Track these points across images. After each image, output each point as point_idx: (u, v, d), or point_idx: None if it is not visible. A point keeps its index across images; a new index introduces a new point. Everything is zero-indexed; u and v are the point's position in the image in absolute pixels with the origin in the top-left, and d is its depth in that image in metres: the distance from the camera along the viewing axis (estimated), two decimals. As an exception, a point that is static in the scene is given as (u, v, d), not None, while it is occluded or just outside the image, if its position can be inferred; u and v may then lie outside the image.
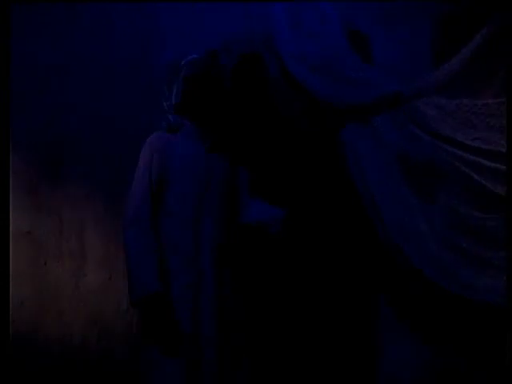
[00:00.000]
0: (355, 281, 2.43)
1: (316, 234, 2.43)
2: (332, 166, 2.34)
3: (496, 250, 2.11)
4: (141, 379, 2.14)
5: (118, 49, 2.84)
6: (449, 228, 2.13)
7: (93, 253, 2.61)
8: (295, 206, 2.33)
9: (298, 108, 2.33)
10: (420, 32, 2.53)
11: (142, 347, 2.13)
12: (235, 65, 2.50)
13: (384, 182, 2.20)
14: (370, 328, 2.43)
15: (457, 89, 2.22)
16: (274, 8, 2.33)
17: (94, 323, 2.57)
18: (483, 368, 2.27)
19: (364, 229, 2.30)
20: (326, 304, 2.45)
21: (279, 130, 2.42)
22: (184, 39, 2.89)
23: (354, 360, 2.43)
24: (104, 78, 2.76)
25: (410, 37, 2.52)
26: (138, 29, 2.96)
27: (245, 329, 2.17)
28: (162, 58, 2.98)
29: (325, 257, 2.45)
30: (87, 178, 2.65)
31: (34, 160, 2.45)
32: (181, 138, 2.17)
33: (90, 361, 2.51)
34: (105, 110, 2.74)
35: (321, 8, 2.34)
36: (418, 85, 2.18)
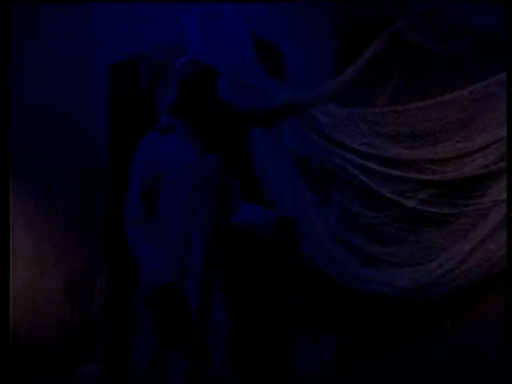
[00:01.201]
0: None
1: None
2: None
3: (383, 245, 2.32)
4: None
5: (53, 49, 2.95)
6: (341, 225, 2.33)
7: (23, 250, 2.75)
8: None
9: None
10: (326, 43, 2.73)
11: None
12: (153, 72, 2.65)
13: (284, 182, 2.39)
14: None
15: (351, 97, 2.41)
16: (185, 18, 2.49)
17: (24, 318, 2.70)
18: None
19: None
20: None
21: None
22: (119, 40, 3.02)
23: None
24: (39, 77, 2.88)
25: (317, 48, 2.72)
26: (72, 29, 3.09)
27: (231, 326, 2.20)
28: (97, 58, 3.15)
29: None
30: (17, 178, 2.76)
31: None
32: (174, 138, 2.15)
33: (22, 356, 2.63)
34: (39, 109, 2.84)
35: (230, 20, 2.51)
36: (313, 94, 2.36)
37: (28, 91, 2.83)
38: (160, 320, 2.02)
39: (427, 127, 2.22)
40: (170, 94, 2.15)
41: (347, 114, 2.32)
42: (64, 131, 3.01)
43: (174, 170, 2.11)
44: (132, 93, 2.84)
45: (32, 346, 2.72)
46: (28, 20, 2.88)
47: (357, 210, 2.30)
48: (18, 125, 2.70)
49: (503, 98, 2.14)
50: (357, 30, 2.61)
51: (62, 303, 2.95)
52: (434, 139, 2.21)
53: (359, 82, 2.39)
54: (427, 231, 2.25)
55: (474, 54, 2.27)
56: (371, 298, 2.37)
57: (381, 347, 2.50)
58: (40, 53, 2.92)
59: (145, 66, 2.70)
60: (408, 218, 2.28)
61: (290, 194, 2.38)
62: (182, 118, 2.15)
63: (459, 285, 2.19)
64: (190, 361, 2.02)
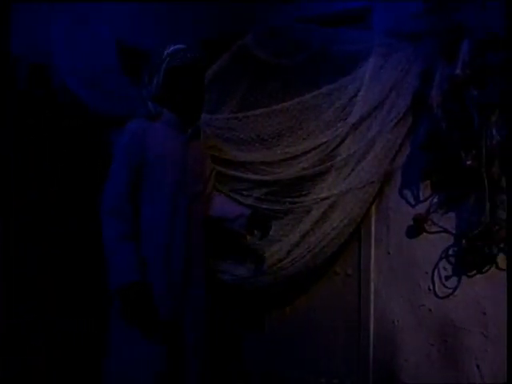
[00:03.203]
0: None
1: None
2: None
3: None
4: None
5: None
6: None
7: None
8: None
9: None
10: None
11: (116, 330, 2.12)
12: (27, 73, 2.83)
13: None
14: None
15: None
16: (52, 27, 2.68)
17: None
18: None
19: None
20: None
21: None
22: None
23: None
24: None
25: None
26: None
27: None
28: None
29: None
30: None
31: None
32: (160, 125, 2.13)
33: None
34: None
35: (97, 30, 2.72)
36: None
37: None
38: (128, 317, 1.99)
39: (262, 133, 2.48)
40: (155, 81, 2.13)
41: (195, 119, 2.56)
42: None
43: (161, 157, 2.08)
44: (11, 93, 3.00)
45: None
46: None
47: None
48: None
49: (324, 110, 2.43)
50: (219, 40, 2.84)
51: None
52: (267, 143, 2.48)
53: (211, 90, 2.63)
54: (263, 226, 2.51)
55: (307, 67, 2.55)
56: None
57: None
58: None
59: (21, 67, 2.87)
60: (247, 214, 2.53)
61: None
62: (166, 106, 2.13)
63: (287, 273, 2.46)
64: (163, 360, 2.02)
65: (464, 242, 2.24)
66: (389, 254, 2.47)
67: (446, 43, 2.15)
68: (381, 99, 2.33)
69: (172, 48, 2.13)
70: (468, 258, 2.25)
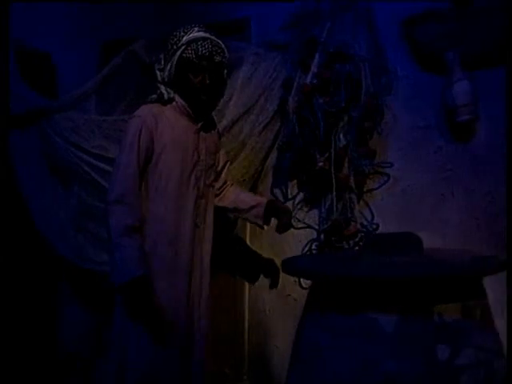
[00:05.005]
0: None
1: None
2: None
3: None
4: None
5: None
6: (80, 214, 2.73)
7: None
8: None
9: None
10: (92, 56, 3.14)
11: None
12: None
13: (35, 177, 2.75)
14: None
15: (97, 105, 2.81)
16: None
17: None
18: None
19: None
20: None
21: None
22: None
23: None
24: None
25: (84, 61, 3.12)
26: None
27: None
28: None
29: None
30: None
31: None
32: (171, 112, 2.06)
33: None
34: None
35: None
36: (59, 102, 2.75)
37: None
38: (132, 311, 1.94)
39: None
40: (169, 66, 2.05)
41: (84, 120, 2.71)
42: None
43: (172, 144, 2.02)
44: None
45: None
46: None
47: (91, 202, 2.69)
48: None
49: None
50: (117, 44, 2.99)
51: None
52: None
53: (103, 91, 2.78)
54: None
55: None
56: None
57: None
58: None
59: None
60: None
61: (39, 187, 2.75)
62: (178, 92, 2.06)
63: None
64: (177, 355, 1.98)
65: (322, 237, 2.45)
66: (262, 248, 2.66)
67: (303, 55, 2.35)
68: (251, 104, 2.52)
69: (191, 35, 2.02)
70: (325, 252, 2.45)
